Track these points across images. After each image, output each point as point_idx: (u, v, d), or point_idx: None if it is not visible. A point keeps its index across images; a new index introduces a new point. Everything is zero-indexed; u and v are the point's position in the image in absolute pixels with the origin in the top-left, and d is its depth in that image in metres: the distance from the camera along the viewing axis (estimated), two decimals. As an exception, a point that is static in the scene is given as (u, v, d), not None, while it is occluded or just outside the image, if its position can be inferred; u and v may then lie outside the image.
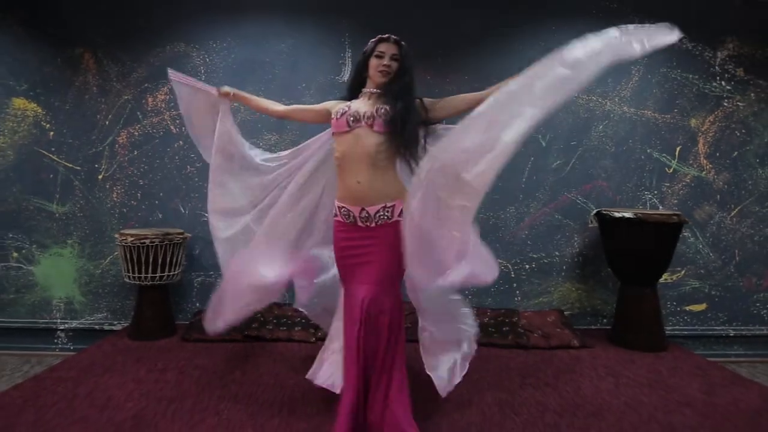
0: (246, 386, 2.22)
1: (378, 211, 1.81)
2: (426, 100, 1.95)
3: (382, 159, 1.79)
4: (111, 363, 2.49)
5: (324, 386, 1.97)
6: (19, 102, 3.24)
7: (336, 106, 1.93)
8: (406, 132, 1.77)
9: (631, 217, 2.76)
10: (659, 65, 3.33)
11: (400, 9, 3.27)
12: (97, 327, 3.25)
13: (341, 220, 1.89)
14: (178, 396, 2.10)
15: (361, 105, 1.87)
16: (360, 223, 1.84)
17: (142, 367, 2.44)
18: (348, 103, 1.91)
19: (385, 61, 1.84)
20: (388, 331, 1.73)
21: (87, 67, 3.26)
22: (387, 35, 1.89)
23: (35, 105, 3.25)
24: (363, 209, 1.81)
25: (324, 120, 2.03)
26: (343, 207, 1.86)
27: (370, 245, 1.82)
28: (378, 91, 1.88)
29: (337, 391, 1.86)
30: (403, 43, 1.90)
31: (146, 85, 3.26)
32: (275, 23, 3.28)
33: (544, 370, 2.51)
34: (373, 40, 1.90)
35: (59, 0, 3.22)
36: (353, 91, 1.97)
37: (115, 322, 3.26)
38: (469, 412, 1.99)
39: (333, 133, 1.90)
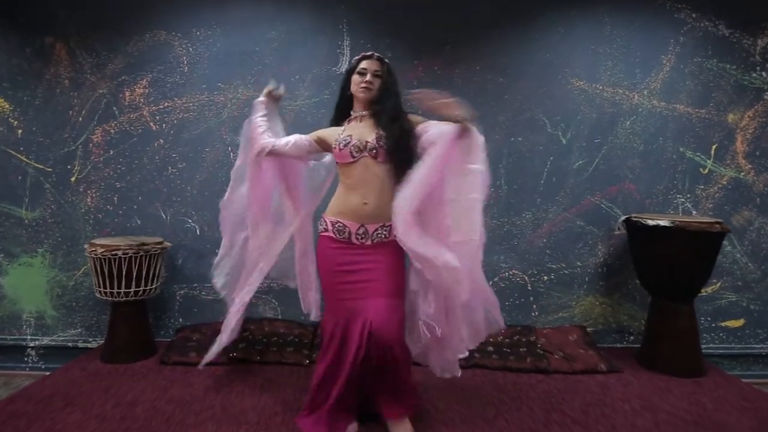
0: (225, 426, 1.91)
1: (376, 230, 1.82)
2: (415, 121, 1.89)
3: (389, 183, 1.80)
4: (75, 393, 2.19)
5: None
6: (-16, 97, 2.94)
7: (332, 135, 1.92)
8: (405, 160, 1.76)
9: (668, 225, 2.43)
10: (692, 54, 2.99)
11: (404, -8, 2.94)
12: (70, 344, 2.96)
13: (333, 236, 1.86)
14: (145, 439, 1.79)
15: (357, 131, 1.86)
16: (355, 240, 1.83)
17: (109, 399, 2.13)
18: (342, 129, 1.91)
19: (367, 78, 1.85)
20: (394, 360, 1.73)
21: (58, 58, 2.95)
22: (370, 53, 1.91)
23: (2, 100, 2.95)
24: (362, 226, 1.82)
25: (318, 150, 1.99)
26: (338, 222, 1.84)
27: (370, 262, 1.81)
28: (365, 113, 1.89)
29: None
30: (386, 60, 1.91)
31: (123, 77, 2.95)
32: (265, 8, 2.95)
33: (570, 403, 2.19)
34: (357, 57, 1.93)
35: (27, -17, 2.91)
36: (342, 113, 1.97)
37: (90, 339, 2.96)
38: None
39: (338, 163, 1.90)
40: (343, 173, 1.86)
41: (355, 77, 1.87)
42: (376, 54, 1.90)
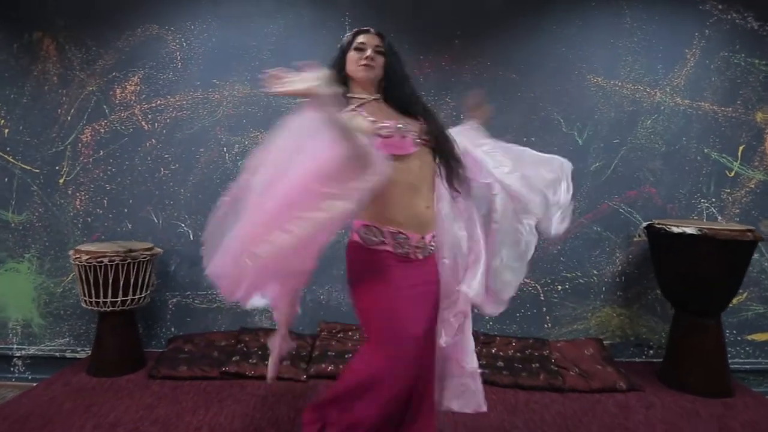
0: (212, 452, 1.76)
1: (430, 241, 1.51)
2: None
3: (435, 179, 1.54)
4: (54, 412, 2.04)
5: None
6: (-31, 94, 2.81)
7: (362, 124, 1.43)
8: (455, 161, 1.53)
9: (695, 233, 2.24)
10: (719, 48, 2.79)
11: (409, -18, 2.77)
12: (58, 354, 2.82)
13: (391, 250, 1.46)
14: (123, 468, 1.64)
15: (387, 117, 1.49)
16: (411, 255, 1.48)
17: (90, 419, 1.98)
18: (364, 116, 1.46)
19: (368, 53, 1.51)
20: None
21: (47, 54, 2.81)
22: (367, 27, 1.58)
23: (-12, 98, 2.82)
24: (422, 238, 1.48)
25: None
26: (399, 233, 1.46)
27: (422, 284, 1.50)
28: (375, 97, 1.53)
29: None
30: (386, 36, 1.58)
31: (114, 74, 2.80)
32: (263, 1, 2.80)
33: (588, 426, 2.01)
34: (350, 32, 1.58)
35: (13, -24, 2.78)
36: None
37: (79, 349, 2.82)
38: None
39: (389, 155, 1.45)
40: (397, 170, 1.39)
41: (352, 54, 1.52)
42: (373, 29, 1.56)
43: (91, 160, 2.82)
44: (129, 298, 2.41)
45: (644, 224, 2.60)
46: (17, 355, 2.85)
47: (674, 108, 2.80)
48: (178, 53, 2.80)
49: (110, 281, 2.34)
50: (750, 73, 2.80)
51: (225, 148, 2.81)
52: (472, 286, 1.52)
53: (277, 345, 1.57)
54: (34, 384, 2.52)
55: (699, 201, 2.82)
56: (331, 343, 2.59)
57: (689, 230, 2.26)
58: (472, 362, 1.59)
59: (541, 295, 2.83)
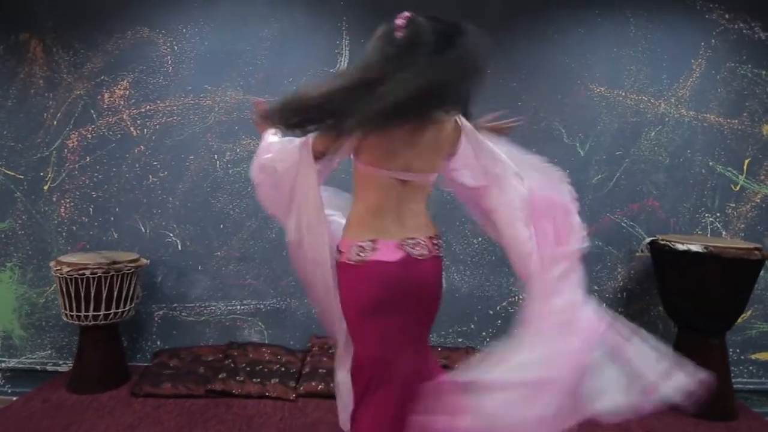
0: (192, 481, 1.67)
1: None
2: None
3: None
4: (32, 431, 1.94)
5: None
6: (-48, 97, 2.72)
7: None
8: None
9: (701, 251, 2.16)
10: (725, 59, 2.72)
11: (408, -13, 2.69)
12: (39, 367, 2.72)
13: None
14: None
15: None
16: None
17: (66, 440, 1.89)
18: None
19: None
20: None
21: (33, 56, 2.72)
22: None
23: (-29, 101, 2.73)
24: None
25: None
26: None
27: None
28: None
29: None
30: None
31: (102, 77, 2.72)
32: (257, 4, 2.72)
33: (589, 453, 1.92)
34: None
35: (0, -25, 2.70)
36: None
37: (61, 362, 2.72)
38: None
39: None
40: None
41: None
42: None
43: (77, 166, 2.73)
44: (112, 311, 2.32)
45: (648, 240, 2.52)
46: (-3, 367, 2.75)
47: (679, 119, 2.73)
48: (168, 57, 2.71)
49: (92, 294, 2.25)
50: (757, 84, 2.73)
51: (216, 156, 2.72)
52: None
53: None
54: (14, 398, 2.42)
55: (703, 215, 2.74)
56: (322, 359, 2.49)
57: (694, 248, 2.18)
58: None
59: (541, 310, 2.74)
